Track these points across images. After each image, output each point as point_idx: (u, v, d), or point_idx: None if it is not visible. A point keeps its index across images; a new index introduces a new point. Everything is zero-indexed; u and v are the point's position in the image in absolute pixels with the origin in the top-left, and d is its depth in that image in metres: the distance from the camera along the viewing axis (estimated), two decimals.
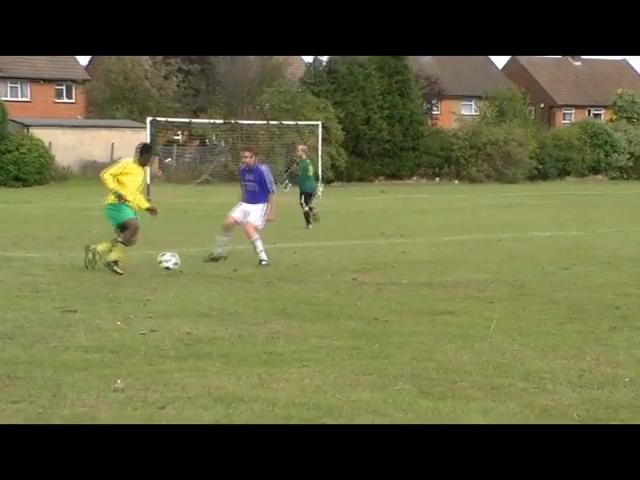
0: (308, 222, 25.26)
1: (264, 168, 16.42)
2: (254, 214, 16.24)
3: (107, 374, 7.85)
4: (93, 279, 13.51)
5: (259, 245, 16.11)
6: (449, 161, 61.53)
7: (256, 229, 16.21)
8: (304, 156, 26.31)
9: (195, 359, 8.52)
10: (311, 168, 26.19)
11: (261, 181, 16.21)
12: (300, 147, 27.58)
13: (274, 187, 16.50)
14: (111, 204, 14.85)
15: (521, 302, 11.96)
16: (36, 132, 51.15)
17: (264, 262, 15.88)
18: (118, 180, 14.75)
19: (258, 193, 16.25)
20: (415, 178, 61.47)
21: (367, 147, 58.68)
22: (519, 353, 8.91)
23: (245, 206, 16.38)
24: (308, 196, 25.78)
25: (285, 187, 29.29)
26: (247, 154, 16.51)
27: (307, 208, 25.53)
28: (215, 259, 16.04)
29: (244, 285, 13.24)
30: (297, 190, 26.25)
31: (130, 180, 14.80)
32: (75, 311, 10.79)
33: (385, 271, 14.94)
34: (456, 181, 61.14)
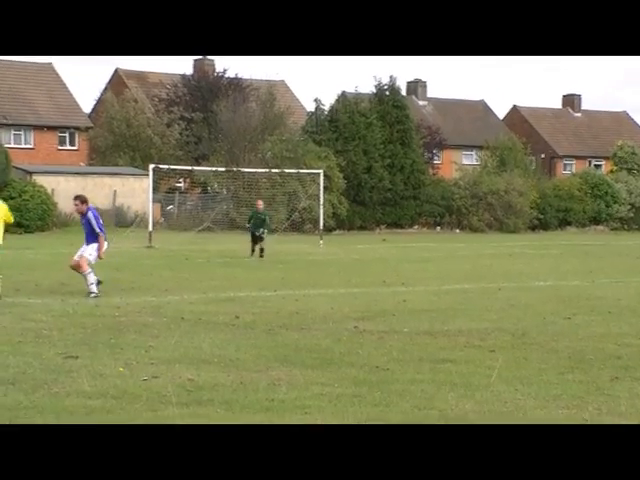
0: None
1: (90, 214, 18.45)
2: (87, 251, 18.29)
3: (109, 420, 7.85)
4: (95, 325, 13.53)
5: (90, 278, 17.83)
6: (450, 210, 61.71)
7: (88, 263, 18.12)
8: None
9: (197, 405, 8.53)
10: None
11: (89, 224, 18.35)
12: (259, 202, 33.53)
13: (102, 229, 18.54)
14: None
15: (522, 351, 11.96)
16: (39, 179, 51.37)
17: (93, 294, 17.55)
18: None
19: (89, 235, 18.39)
20: (416, 227, 61.61)
21: (368, 195, 58.87)
22: (521, 402, 8.91)
23: (82, 247, 18.52)
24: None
25: (263, 233, 31.39)
26: (76, 202, 18.75)
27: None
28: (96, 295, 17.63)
29: (245, 332, 13.26)
30: (298, 237, 26.63)
31: None
32: (77, 357, 10.80)
33: (386, 319, 14.96)
34: (457, 230, 61.27)
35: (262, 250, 31.04)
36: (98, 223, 18.50)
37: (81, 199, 18.76)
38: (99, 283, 18.05)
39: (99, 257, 18.43)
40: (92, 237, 18.44)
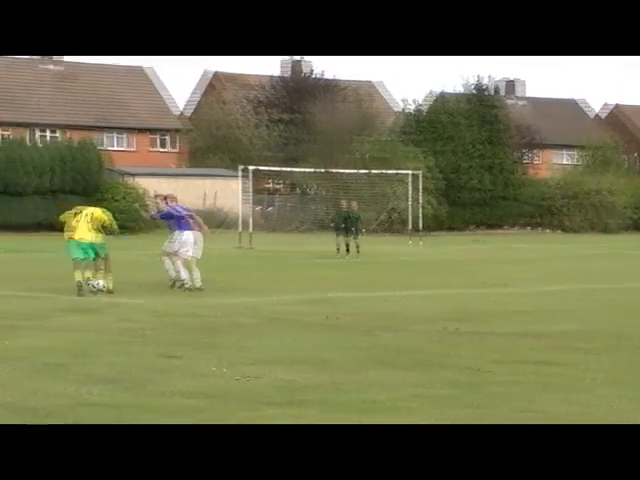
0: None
1: (167, 208, 19.76)
2: (183, 247, 19.29)
3: (206, 419, 8.01)
4: (194, 325, 13.79)
5: (181, 275, 19.05)
6: (545, 210, 61.01)
7: (184, 261, 19.17)
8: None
9: (291, 406, 8.63)
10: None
11: (172, 216, 19.61)
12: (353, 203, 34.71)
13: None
14: None
15: (626, 354, 11.70)
16: (133, 181, 52.12)
17: (185, 284, 18.82)
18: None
19: (181, 225, 19.46)
20: (511, 227, 61.06)
21: (462, 196, 58.53)
22: (623, 406, 8.69)
23: (176, 240, 19.46)
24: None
25: (357, 232, 32.37)
26: (157, 201, 20.71)
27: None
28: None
29: (340, 333, 13.34)
30: (392, 238, 26.69)
31: None
32: (177, 357, 11.03)
33: (482, 320, 14.90)
34: (550, 230, 60.55)
35: (358, 247, 31.61)
36: (177, 211, 19.49)
37: (161, 197, 20.03)
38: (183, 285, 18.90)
39: (204, 232, 19.45)
40: (184, 225, 19.22)
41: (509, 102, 77.29)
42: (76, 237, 18.60)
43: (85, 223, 18.67)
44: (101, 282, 18.30)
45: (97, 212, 19.23)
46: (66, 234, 18.85)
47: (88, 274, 18.30)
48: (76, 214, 18.99)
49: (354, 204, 34.35)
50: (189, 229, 19.34)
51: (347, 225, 32.37)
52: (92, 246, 18.57)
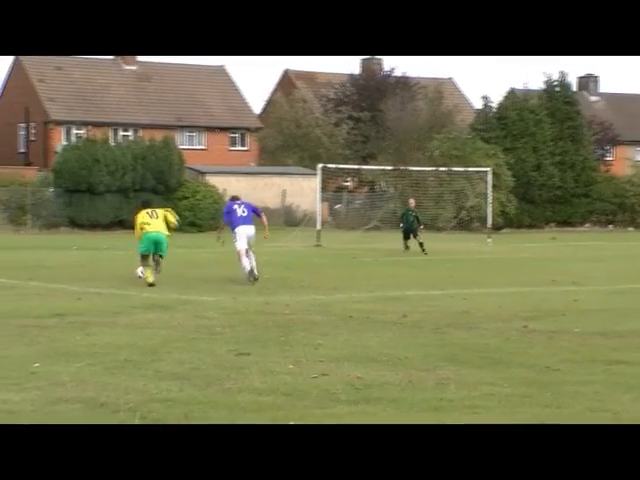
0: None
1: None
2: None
3: (279, 416, 7.98)
4: (265, 323, 13.76)
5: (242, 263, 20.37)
6: (623, 208, 60.16)
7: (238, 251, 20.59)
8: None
9: (366, 403, 8.57)
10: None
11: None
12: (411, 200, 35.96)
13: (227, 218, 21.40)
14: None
15: None
16: (211, 179, 52.61)
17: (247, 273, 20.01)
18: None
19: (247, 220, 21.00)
20: (587, 225, 60.33)
21: (537, 193, 57.97)
22: None
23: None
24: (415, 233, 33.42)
25: (416, 229, 33.77)
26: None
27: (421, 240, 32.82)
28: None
29: (413, 331, 13.24)
30: (465, 236, 26.55)
31: None
32: (248, 354, 11.01)
33: (556, 319, 14.70)
34: (630, 228, 59.67)
35: (422, 244, 32.34)
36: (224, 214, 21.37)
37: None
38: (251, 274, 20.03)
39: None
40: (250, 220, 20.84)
41: (592, 98, 76.45)
42: (153, 230, 19.81)
43: (161, 220, 20.21)
44: (140, 269, 19.97)
45: (168, 213, 20.75)
46: (140, 228, 20.03)
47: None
48: (151, 212, 20.33)
49: (412, 202, 35.55)
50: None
51: (405, 223, 34.03)
52: (164, 240, 19.90)
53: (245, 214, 20.84)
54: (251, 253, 20.39)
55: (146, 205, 21.06)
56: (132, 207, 43.50)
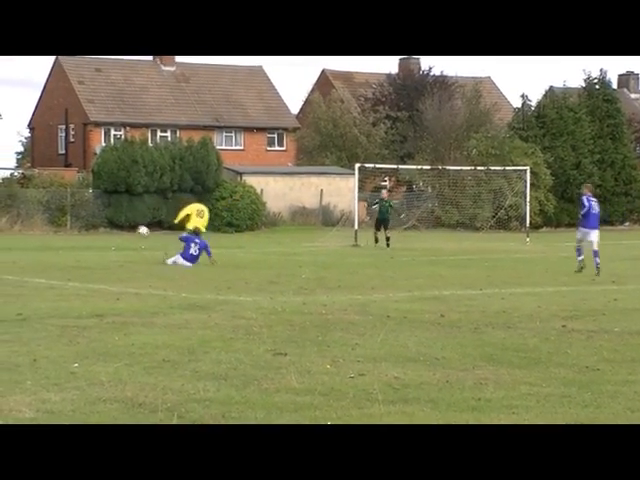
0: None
1: None
2: None
3: (317, 416, 7.98)
4: (303, 323, 13.76)
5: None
6: None
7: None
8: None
9: (403, 403, 8.55)
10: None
11: None
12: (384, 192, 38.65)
13: None
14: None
15: None
16: (249, 179, 52.72)
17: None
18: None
19: None
20: (627, 224, 59.86)
21: (577, 192, 57.51)
22: None
23: None
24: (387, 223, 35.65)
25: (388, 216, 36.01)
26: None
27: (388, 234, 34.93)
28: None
29: (451, 330, 13.19)
30: (504, 235, 26.50)
31: None
32: (286, 354, 11.01)
33: (596, 318, 14.59)
34: None
35: (388, 239, 34.47)
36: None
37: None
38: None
39: None
40: None
41: (633, 96, 75.83)
42: (203, 227, 25.73)
43: (205, 219, 25.96)
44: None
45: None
46: (192, 225, 25.45)
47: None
48: (199, 211, 26.37)
49: (384, 192, 38.55)
50: None
51: (379, 214, 36.09)
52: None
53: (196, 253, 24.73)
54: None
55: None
56: (176, 207, 45.08)
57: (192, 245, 24.59)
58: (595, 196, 25.08)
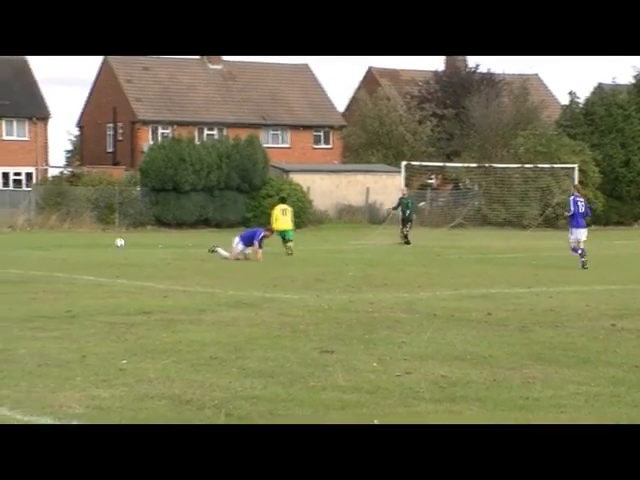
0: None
1: None
2: None
3: (364, 414, 7.97)
4: (349, 321, 13.76)
5: None
6: None
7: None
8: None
9: (450, 402, 8.52)
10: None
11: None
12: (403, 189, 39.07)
13: None
14: None
15: None
16: (295, 177, 52.80)
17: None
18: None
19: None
20: None
21: (626, 190, 57.06)
22: None
23: None
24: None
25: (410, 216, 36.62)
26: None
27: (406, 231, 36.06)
28: None
29: (498, 329, 13.13)
30: (552, 233, 26.54)
31: None
32: (332, 352, 11.01)
33: None
34: None
35: (406, 237, 35.42)
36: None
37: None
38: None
39: None
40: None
41: None
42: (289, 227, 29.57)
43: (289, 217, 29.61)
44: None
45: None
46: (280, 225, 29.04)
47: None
48: (284, 210, 29.68)
49: (404, 189, 38.82)
50: None
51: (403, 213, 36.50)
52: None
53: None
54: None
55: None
56: (225, 205, 45.79)
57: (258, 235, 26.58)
58: (582, 196, 26.20)
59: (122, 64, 62.51)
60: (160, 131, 60.31)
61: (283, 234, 29.16)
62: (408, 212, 36.55)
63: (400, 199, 37.54)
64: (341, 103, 70.74)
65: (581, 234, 25.19)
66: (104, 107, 63.04)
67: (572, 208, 25.26)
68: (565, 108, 60.03)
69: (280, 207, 30.28)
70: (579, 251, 24.89)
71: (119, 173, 53.60)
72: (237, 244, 26.47)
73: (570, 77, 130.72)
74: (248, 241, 26.38)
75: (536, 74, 74.16)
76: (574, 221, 25.47)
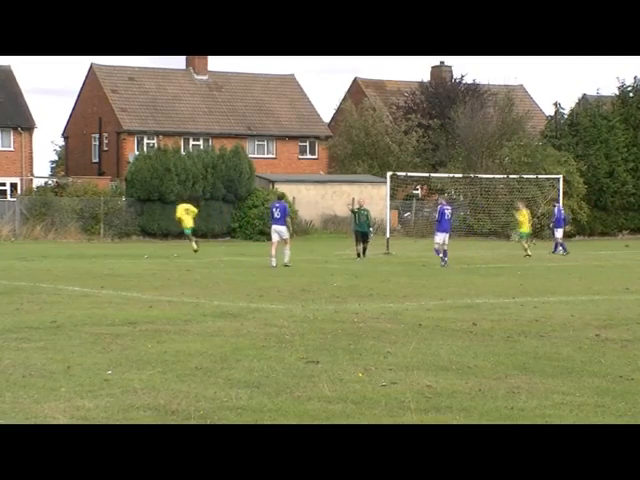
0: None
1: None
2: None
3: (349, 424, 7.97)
4: (335, 331, 13.76)
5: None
6: None
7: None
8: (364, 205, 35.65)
9: (436, 412, 8.54)
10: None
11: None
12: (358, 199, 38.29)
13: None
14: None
15: None
16: (281, 187, 52.76)
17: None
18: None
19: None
20: None
21: (610, 200, 57.26)
22: None
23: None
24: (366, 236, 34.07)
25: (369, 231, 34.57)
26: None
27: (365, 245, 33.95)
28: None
29: (483, 339, 13.16)
30: (537, 244, 26.38)
31: None
32: (318, 362, 11.02)
33: (630, 328, 14.49)
34: None
35: (365, 250, 33.74)
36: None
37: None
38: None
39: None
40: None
41: None
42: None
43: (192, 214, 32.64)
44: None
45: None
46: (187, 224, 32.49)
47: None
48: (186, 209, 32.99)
49: (358, 200, 37.79)
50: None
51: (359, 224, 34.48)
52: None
53: (278, 216, 27.77)
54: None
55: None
56: (205, 214, 46.10)
57: (274, 210, 28.05)
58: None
59: (107, 74, 62.49)
60: (146, 141, 60.25)
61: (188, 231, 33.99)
62: (365, 226, 33.86)
63: (358, 209, 34.97)
64: (327, 114, 70.88)
65: (446, 238, 29.34)
66: (89, 117, 62.97)
67: (438, 216, 29.67)
68: (550, 119, 60.26)
69: (183, 207, 35.92)
70: (440, 254, 28.96)
71: (104, 183, 53.52)
72: None
73: (555, 88, 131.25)
74: None
75: (521, 85, 74.44)
76: (441, 226, 29.55)
